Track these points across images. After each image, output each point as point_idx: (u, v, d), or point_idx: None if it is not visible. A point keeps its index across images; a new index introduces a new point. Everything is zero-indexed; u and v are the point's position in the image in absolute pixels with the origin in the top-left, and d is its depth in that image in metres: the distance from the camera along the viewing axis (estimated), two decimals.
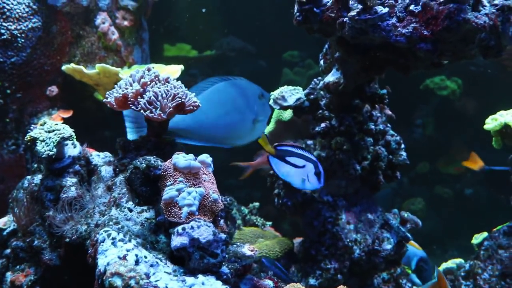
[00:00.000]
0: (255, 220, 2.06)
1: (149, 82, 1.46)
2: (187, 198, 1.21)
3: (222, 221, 1.31)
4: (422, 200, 3.22)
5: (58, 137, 1.47)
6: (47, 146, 1.46)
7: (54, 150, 1.46)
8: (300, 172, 1.52)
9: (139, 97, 1.44)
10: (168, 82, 1.49)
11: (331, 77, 1.66)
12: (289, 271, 1.87)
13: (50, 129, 1.49)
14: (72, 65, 1.89)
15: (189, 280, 1.13)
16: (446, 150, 3.27)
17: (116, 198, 1.42)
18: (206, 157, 1.34)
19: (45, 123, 1.51)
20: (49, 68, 1.93)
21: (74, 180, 1.50)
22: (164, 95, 1.43)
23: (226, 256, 1.24)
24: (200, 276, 1.16)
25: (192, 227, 1.18)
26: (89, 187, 1.48)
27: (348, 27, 1.37)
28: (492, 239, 2.05)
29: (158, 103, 1.42)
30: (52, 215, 1.43)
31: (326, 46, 1.75)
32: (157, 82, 1.47)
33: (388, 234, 1.78)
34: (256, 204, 2.09)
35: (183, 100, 1.43)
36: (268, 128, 2.06)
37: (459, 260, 2.20)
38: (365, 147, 1.71)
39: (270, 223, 2.10)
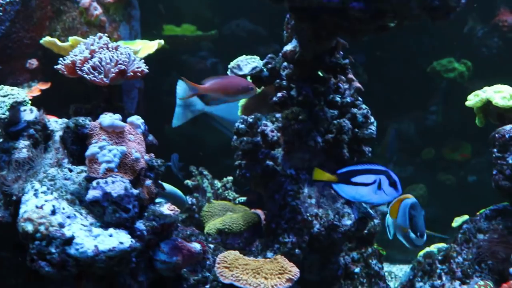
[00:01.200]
0: (227, 195, 2.05)
1: (97, 49, 1.49)
2: (107, 155, 1.24)
3: (149, 182, 1.32)
4: (424, 186, 3.10)
5: (12, 101, 1.53)
6: (0, 109, 1.52)
7: (7, 113, 1.51)
8: (373, 188, 1.44)
9: (86, 63, 1.48)
10: (117, 50, 1.51)
11: (289, 46, 1.64)
12: (253, 245, 1.86)
13: (5, 94, 1.54)
14: (48, 38, 1.96)
15: (97, 231, 1.16)
16: (453, 136, 3.14)
17: (59, 159, 1.46)
18: (136, 119, 1.36)
19: (1, 88, 1.57)
20: (29, 41, 2.01)
21: (27, 142, 1.55)
22: (108, 61, 1.45)
23: (146, 214, 1.26)
24: (111, 229, 1.18)
25: (106, 182, 1.20)
26: (40, 149, 1.53)
27: None
28: (472, 222, 1.95)
29: (102, 68, 1.45)
30: (3, 175, 1.49)
31: (288, 15, 1.72)
32: (105, 49, 1.51)
33: (349, 210, 1.72)
34: (230, 178, 2.08)
35: (125, 66, 1.45)
36: (241, 102, 2.05)
37: (441, 245, 2.11)
38: (325, 119, 1.67)
39: (243, 198, 2.09)
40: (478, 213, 2.00)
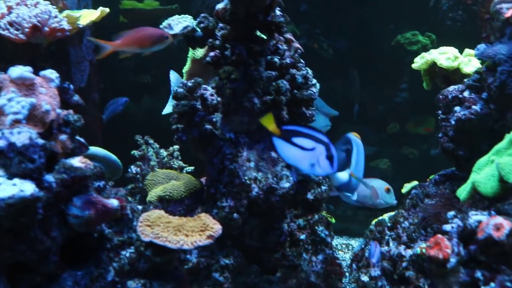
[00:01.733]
0: (172, 163, 2.02)
1: (14, 5, 1.45)
2: (14, 106, 1.20)
3: (64, 137, 1.28)
4: (388, 161, 3.07)
5: None
6: None
7: None
8: (309, 156, 1.34)
9: (3, 18, 1.44)
10: (36, 6, 1.47)
11: (221, 4, 1.60)
12: (194, 212, 1.82)
13: None
14: None
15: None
16: (418, 110, 3.11)
17: None
18: (49, 73, 1.32)
19: None
20: None
21: None
22: (25, 16, 1.41)
23: (56, 167, 1.22)
24: (16, 180, 1.14)
25: (11, 132, 1.16)
26: None
27: None
28: (420, 187, 1.93)
29: (19, 25, 1.41)
30: None
31: None
32: (23, 5, 1.46)
33: (287, 172, 1.69)
34: (176, 147, 2.04)
35: (39, 21, 1.41)
36: (185, 68, 2.01)
37: (393, 213, 2.07)
38: (260, 78, 1.63)
39: (191, 168, 2.06)
40: (428, 179, 1.97)
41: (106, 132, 2.65)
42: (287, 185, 1.67)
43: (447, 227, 1.45)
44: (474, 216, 1.35)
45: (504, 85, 1.50)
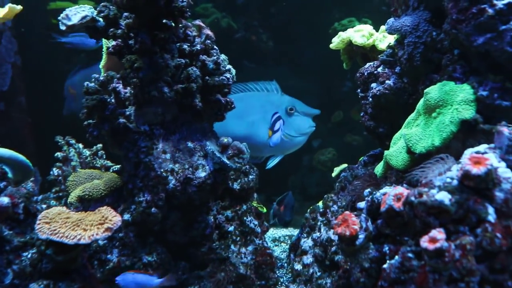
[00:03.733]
0: (95, 163, 1.95)
1: None
2: None
3: None
4: (333, 149, 3.04)
5: None
6: None
7: None
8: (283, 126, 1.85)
9: None
10: None
11: None
12: (116, 210, 1.75)
13: None
14: None
15: None
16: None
17: None
18: None
19: None
20: None
21: None
22: None
23: None
24: None
25: None
26: None
27: None
28: (349, 170, 1.89)
29: None
30: None
31: None
32: None
33: (203, 161, 1.64)
34: (100, 145, 1.98)
35: None
36: (101, 64, 1.94)
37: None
38: (165, 66, 1.57)
39: (117, 166, 1.99)
40: (358, 161, 1.94)
41: (43, 137, 2.56)
42: (203, 174, 1.62)
43: (361, 204, 1.41)
44: (382, 189, 1.31)
45: (412, 57, 1.48)
